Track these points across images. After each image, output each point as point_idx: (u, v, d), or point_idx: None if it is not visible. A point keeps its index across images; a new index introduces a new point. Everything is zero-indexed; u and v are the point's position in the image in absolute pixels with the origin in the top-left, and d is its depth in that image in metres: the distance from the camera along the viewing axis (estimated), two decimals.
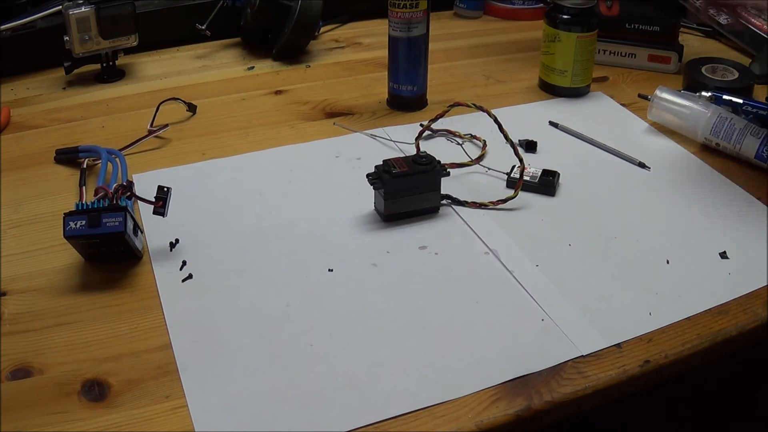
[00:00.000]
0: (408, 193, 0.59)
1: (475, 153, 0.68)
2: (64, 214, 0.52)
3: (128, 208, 0.53)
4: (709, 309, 0.51)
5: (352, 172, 0.65)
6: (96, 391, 0.45)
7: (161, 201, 0.55)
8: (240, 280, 0.53)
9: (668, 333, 0.49)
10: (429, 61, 0.76)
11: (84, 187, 0.62)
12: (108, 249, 0.53)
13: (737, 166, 0.67)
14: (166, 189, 0.56)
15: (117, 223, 0.52)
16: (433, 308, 0.51)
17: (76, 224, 0.52)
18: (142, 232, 0.56)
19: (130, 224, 0.52)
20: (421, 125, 0.70)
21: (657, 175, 0.66)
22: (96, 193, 0.54)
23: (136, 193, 0.56)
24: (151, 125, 0.71)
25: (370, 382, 0.45)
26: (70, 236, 0.52)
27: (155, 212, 0.55)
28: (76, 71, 0.81)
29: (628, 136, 0.72)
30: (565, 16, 0.76)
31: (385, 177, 0.58)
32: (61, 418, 0.43)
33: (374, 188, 0.59)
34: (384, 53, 0.79)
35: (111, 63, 0.82)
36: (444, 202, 0.61)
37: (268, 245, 0.56)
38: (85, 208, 0.53)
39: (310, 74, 0.85)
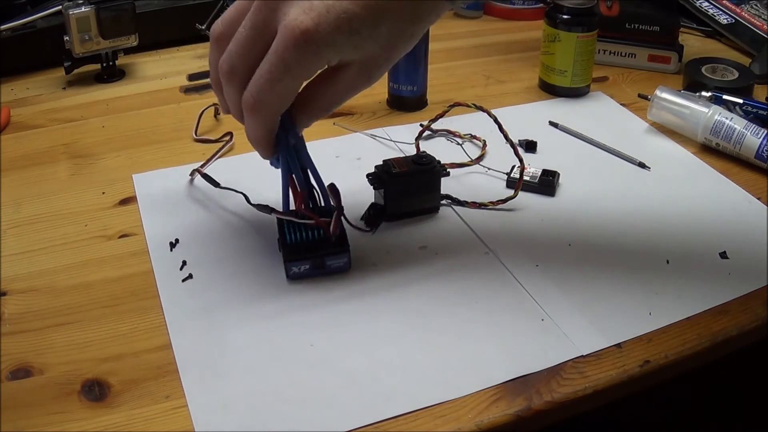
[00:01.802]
0: (408, 193, 0.59)
1: (475, 153, 0.68)
2: (286, 260, 0.52)
3: (348, 242, 0.53)
4: (709, 309, 0.51)
5: (352, 172, 0.65)
6: (96, 391, 0.45)
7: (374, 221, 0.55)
8: (240, 280, 0.53)
9: (668, 333, 0.49)
10: (429, 61, 0.76)
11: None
12: None
13: (737, 166, 0.67)
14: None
15: (342, 264, 0.53)
16: (433, 308, 0.51)
17: (299, 269, 0.52)
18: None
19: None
20: (421, 125, 0.70)
21: (657, 175, 0.66)
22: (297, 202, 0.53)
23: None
24: (196, 133, 0.71)
25: (370, 382, 0.45)
26: (293, 279, 0.53)
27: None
28: (76, 71, 0.81)
29: (628, 136, 0.72)
30: (565, 16, 0.76)
31: (385, 177, 0.58)
32: (61, 418, 0.43)
33: (374, 188, 0.59)
34: None
35: (111, 63, 0.82)
36: (444, 202, 0.61)
37: (268, 245, 0.56)
38: (299, 240, 0.52)
39: None
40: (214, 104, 0.75)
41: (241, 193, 0.59)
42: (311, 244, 0.52)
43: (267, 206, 0.55)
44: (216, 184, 0.61)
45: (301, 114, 0.51)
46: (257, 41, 0.47)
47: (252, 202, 0.57)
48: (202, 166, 0.64)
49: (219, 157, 0.66)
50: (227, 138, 0.69)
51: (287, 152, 0.51)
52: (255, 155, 0.61)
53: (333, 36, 0.46)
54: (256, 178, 0.60)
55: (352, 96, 0.52)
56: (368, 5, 0.47)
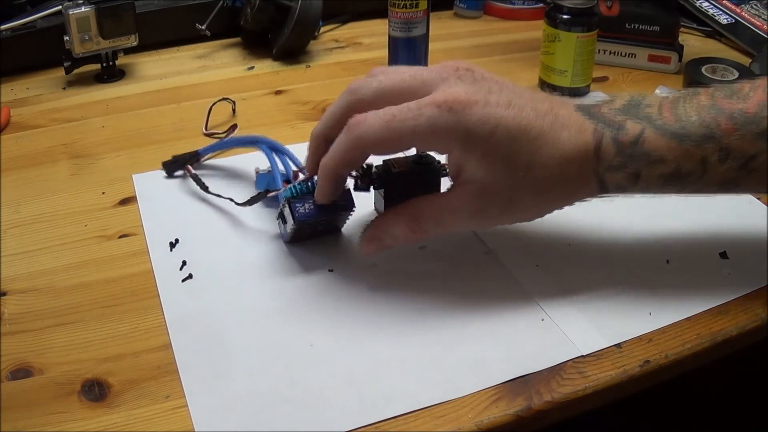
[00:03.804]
0: (408, 193, 0.58)
1: None
2: (287, 199, 0.52)
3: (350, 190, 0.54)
4: (709, 309, 0.51)
5: None
6: (96, 391, 0.45)
7: (367, 177, 0.54)
8: (240, 280, 0.53)
9: (668, 333, 0.49)
10: (429, 61, 0.76)
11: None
12: (313, 229, 0.54)
13: None
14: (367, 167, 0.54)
15: (345, 201, 0.53)
16: (433, 308, 0.51)
17: (304, 207, 0.52)
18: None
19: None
20: None
21: None
22: (295, 177, 0.54)
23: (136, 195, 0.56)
24: (206, 128, 0.71)
25: (370, 382, 0.45)
26: (301, 221, 0.52)
27: (357, 188, 0.54)
28: (76, 71, 0.81)
29: None
30: (565, 16, 0.76)
31: (384, 177, 0.57)
32: (61, 418, 0.43)
33: (374, 188, 0.59)
34: (384, 53, 0.79)
35: (111, 63, 0.82)
36: None
37: (269, 245, 0.56)
38: (299, 191, 0.52)
39: (310, 74, 0.85)
40: (225, 98, 0.75)
41: (229, 198, 0.59)
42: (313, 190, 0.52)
43: (259, 193, 0.56)
44: (204, 188, 0.61)
45: (393, 219, 0.51)
46: (406, 90, 0.46)
47: (240, 201, 0.58)
48: (194, 163, 0.64)
49: (218, 156, 0.66)
50: (231, 131, 0.69)
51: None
52: (259, 155, 0.61)
53: (474, 125, 0.45)
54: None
55: (452, 226, 0.50)
56: (522, 125, 0.45)
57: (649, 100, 0.49)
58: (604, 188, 0.49)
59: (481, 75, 0.48)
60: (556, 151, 0.46)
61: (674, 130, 0.47)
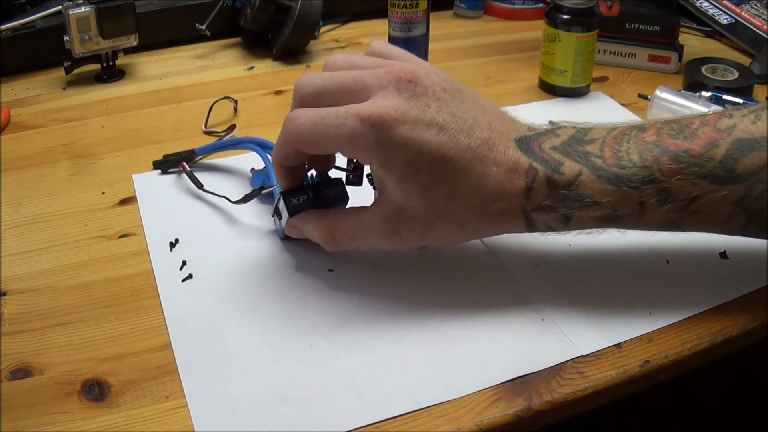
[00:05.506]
0: None
1: None
2: (281, 192, 0.52)
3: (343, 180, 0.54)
4: (709, 309, 0.51)
5: None
6: (96, 391, 0.45)
7: (359, 170, 0.54)
8: (240, 280, 0.53)
9: (668, 333, 0.49)
10: (429, 61, 0.76)
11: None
12: None
13: None
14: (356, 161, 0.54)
15: (339, 193, 0.52)
16: (433, 308, 0.51)
17: (299, 200, 0.52)
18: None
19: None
20: None
21: None
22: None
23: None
24: (206, 126, 0.72)
25: (370, 382, 0.45)
26: (294, 212, 0.52)
27: (350, 182, 0.54)
28: (75, 71, 0.81)
29: None
30: (565, 16, 0.76)
31: None
32: (61, 418, 0.43)
33: (374, 188, 0.59)
34: None
35: (111, 63, 0.82)
36: None
37: (269, 245, 0.56)
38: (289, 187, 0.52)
39: None
40: (227, 97, 0.75)
41: (223, 196, 0.59)
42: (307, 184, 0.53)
43: (253, 191, 0.56)
44: (199, 185, 0.61)
45: (314, 224, 0.50)
46: (345, 91, 0.46)
47: (235, 199, 0.58)
48: (190, 161, 0.64)
49: (213, 156, 0.66)
50: (229, 131, 0.69)
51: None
52: (254, 154, 0.61)
53: (395, 147, 0.43)
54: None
55: (368, 244, 0.49)
56: (447, 155, 0.44)
57: (593, 135, 0.48)
58: (531, 226, 0.48)
59: (423, 89, 0.45)
60: (480, 186, 0.45)
61: (612, 173, 0.46)
